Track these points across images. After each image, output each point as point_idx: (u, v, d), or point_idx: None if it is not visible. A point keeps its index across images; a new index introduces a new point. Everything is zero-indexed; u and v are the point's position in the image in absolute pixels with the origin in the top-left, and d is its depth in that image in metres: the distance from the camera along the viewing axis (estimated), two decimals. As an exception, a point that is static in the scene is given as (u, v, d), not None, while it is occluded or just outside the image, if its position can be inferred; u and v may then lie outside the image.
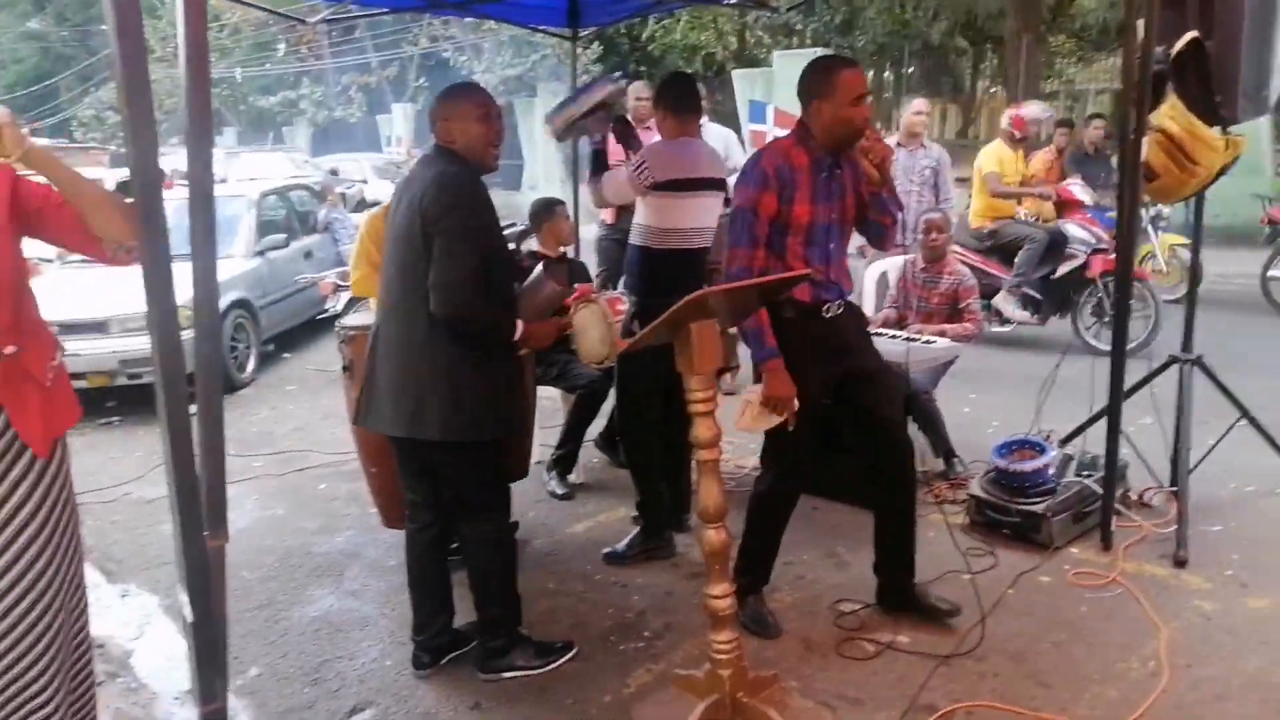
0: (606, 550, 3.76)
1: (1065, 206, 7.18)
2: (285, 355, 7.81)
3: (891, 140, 5.76)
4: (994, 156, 7.06)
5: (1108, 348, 6.19)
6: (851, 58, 3.62)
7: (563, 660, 2.98)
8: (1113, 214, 8.41)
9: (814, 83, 2.88)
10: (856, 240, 3.31)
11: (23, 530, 1.94)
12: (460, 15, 8.00)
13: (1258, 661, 2.87)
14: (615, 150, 3.84)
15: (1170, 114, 3.54)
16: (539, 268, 3.18)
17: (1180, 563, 3.48)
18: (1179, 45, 3.44)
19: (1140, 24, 3.37)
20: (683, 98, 3.63)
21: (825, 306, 2.97)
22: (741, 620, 3.08)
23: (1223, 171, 3.67)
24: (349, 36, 27.41)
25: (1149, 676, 2.81)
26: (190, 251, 1.96)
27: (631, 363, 3.58)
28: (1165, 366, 4.09)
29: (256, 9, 6.83)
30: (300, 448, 5.25)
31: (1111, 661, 2.91)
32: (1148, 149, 3.50)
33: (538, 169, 20.27)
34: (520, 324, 2.75)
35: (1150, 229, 8.22)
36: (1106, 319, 6.63)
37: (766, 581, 3.25)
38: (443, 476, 2.82)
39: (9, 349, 1.87)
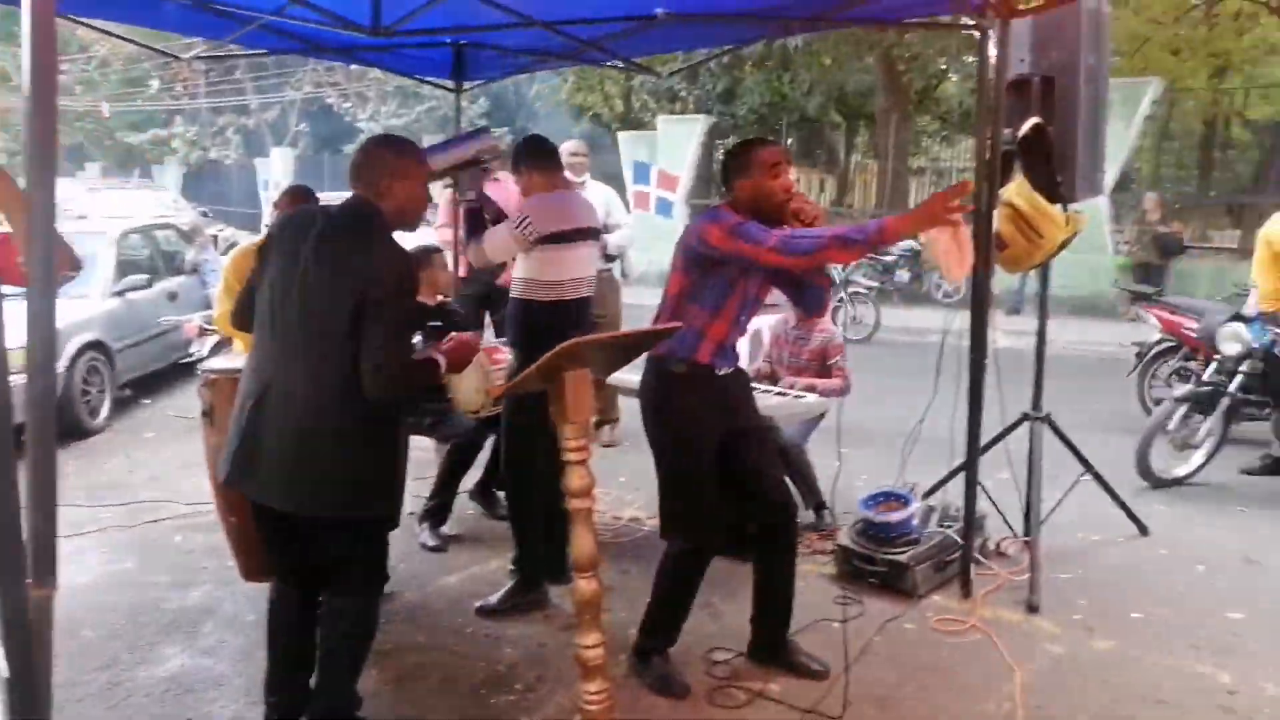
0: (479, 603, 3.68)
1: None
2: (144, 400, 7.42)
3: None
4: None
5: None
6: (767, 137, 3.74)
7: None
8: None
9: (733, 165, 2.99)
10: None
11: None
12: (345, 62, 7.91)
13: (1101, 699, 3.03)
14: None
15: (1018, 190, 3.83)
16: (418, 341, 3.14)
17: (1033, 608, 3.66)
18: (1024, 129, 3.73)
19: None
20: (545, 154, 3.72)
21: (720, 368, 3.02)
22: (646, 682, 3.08)
23: (1065, 244, 3.96)
24: (228, 77, 26.70)
25: (1004, 717, 2.93)
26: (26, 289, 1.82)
27: (519, 413, 3.56)
28: (1018, 424, 4.34)
29: (129, 42, 6.57)
30: (156, 497, 4.96)
31: (970, 703, 3.01)
32: (999, 221, 3.75)
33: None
34: (439, 358, 2.75)
35: None
36: None
37: (673, 644, 3.18)
38: (325, 548, 2.61)
39: None
